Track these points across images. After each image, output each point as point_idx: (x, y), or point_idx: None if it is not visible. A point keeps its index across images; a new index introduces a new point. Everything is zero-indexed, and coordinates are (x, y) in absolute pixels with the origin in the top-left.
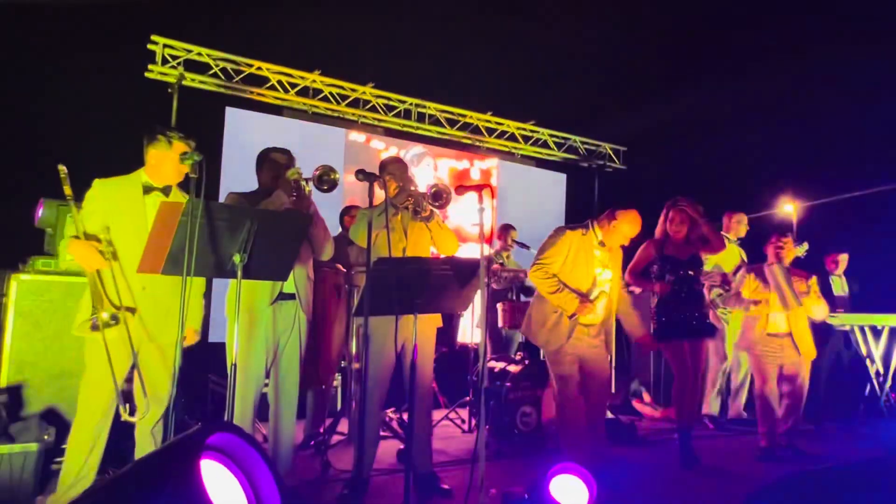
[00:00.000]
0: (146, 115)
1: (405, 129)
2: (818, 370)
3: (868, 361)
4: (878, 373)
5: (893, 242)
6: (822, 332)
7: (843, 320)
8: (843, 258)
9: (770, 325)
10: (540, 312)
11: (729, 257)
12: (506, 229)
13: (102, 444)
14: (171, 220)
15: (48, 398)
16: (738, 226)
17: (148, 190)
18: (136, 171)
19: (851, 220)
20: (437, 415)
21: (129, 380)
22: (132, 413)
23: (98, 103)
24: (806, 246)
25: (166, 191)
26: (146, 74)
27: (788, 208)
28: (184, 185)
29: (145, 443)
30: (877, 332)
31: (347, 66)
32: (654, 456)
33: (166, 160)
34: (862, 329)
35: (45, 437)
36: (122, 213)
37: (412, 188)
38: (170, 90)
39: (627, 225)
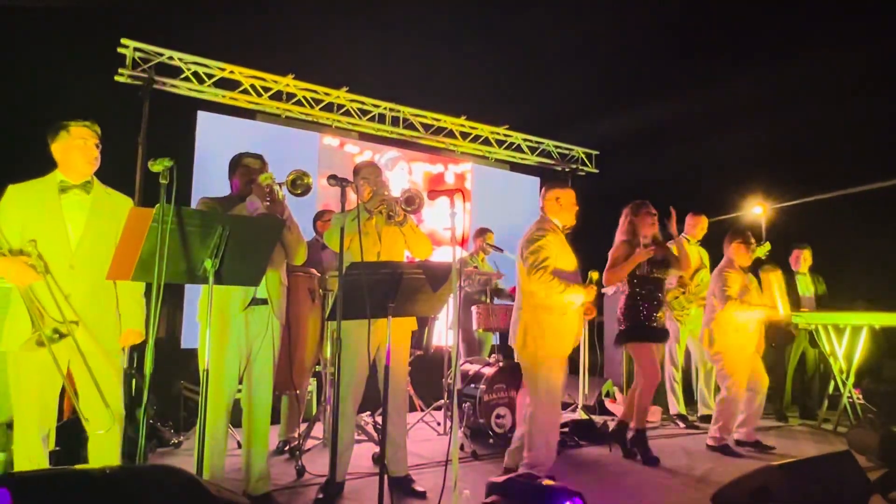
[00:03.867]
0: (116, 119)
1: (379, 133)
2: (784, 369)
3: (832, 360)
4: (841, 370)
5: (860, 243)
6: (787, 331)
7: (808, 319)
8: (805, 255)
9: (743, 325)
10: (537, 323)
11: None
12: (481, 233)
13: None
14: (142, 225)
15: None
16: (696, 228)
17: (65, 189)
18: (51, 172)
19: (819, 221)
20: (413, 418)
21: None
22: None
23: (66, 107)
24: (768, 246)
25: (86, 187)
26: (116, 78)
27: (757, 210)
28: (154, 188)
29: (103, 453)
30: (840, 331)
31: (321, 70)
32: (625, 455)
33: (70, 150)
34: (826, 328)
35: (12, 446)
36: (38, 217)
37: (386, 192)
38: (140, 94)
39: (571, 196)
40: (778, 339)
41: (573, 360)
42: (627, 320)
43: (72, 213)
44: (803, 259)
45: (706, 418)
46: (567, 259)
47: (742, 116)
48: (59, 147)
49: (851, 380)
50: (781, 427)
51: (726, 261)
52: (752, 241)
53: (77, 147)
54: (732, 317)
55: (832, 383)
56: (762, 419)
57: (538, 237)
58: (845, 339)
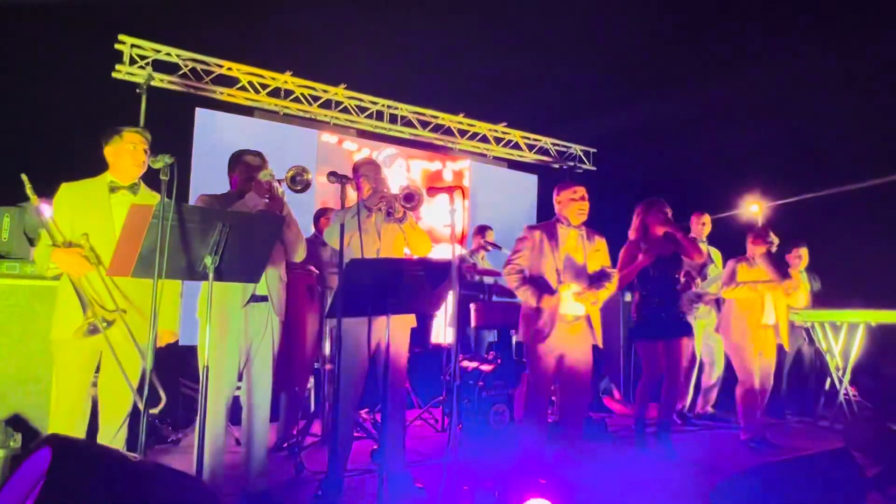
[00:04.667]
0: (114, 116)
1: (377, 130)
2: (781, 365)
3: (828, 357)
4: (837, 367)
5: (856, 240)
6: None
7: (805, 317)
8: (804, 251)
9: (766, 316)
10: (526, 310)
11: None
12: (481, 230)
13: None
14: (142, 221)
15: (13, 404)
16: (702, 227)
17: (114, 189)
18: (103, 173)
19: (815, 219)
20: (411, 414)
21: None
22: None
23: (63, 104)
24: (776, 240)
25: (134, 189)
26: (113, 75)
27: (754, 208)
28: (154, 185)
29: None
30: (836, 328)
31: (319, 67)
32: (624, 451)
33: (122, 154)
34: (822, 325)
35: (11, 443)
36: (88, 214)
37: (385, 190)
38: (138, 91)
39: (569, 192)
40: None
41: None
42: (636, 318)
43: (120, 212)
44: (803, 255)
45: (704, 416)
46: (551, 263)
47: (739, 115)
48: (111, 150)
49: (848, 377)
50: (778, 424)
51: (748, 253)
52: (764, 233)
53: (127, 151)
54: (736, 304)
55: (829, 380)
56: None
57: (522, 234)
58: (842, 337)
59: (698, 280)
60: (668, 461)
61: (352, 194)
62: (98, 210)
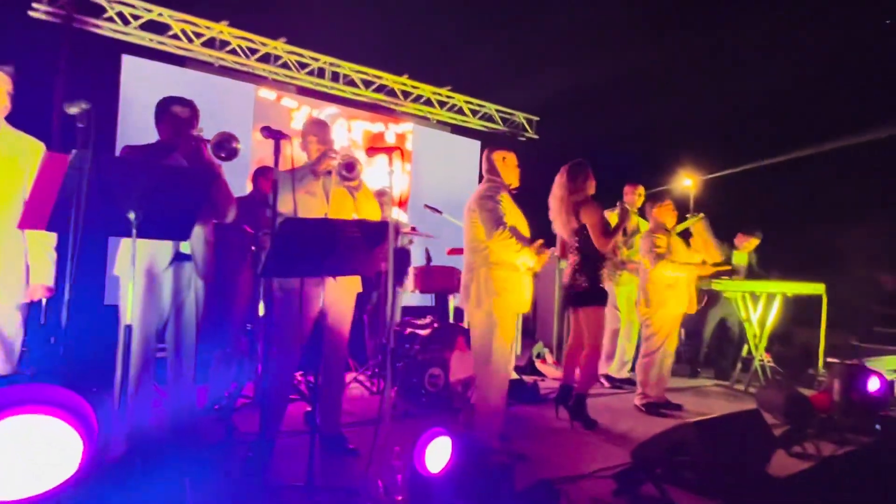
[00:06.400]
0: (30, 59)
1: (318, 88)
2: (701, 333)
3: (747, 325)
4: (754, 335)
5: (773, 213)
6: (711, 298)
7: (726, 287)
8: (752, 242)
9: (674, 284)
10: (497, 280)
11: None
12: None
13: None
14: (56, 172)
15: None
16: (638, 198)
17: None
18: None
19: (740, 192)
20: (346, 377)
21: None
22: None
23: None
24: (702, 215)
25: None
26: (30, 13)
27: (687, 182)
28: (70, 136)
29: None
30: (755, 299)
31: (258, 18)
32: (553, 413)
33: None
34: (743, 296)
35: None
36: None
37: (334, 154)
38: (58, 32)
39: (510, 157)
40: (708, 300)
41: None
42: (586, 282)
43: None
44: (748, 244)
45: (625, 381)
46: (518, 220)
47: (684, 87)
48: None
49: (763, 344)
50: (697, 387)
51: (654, 224)
52: (663, 198)
53: None
54: (664, 275)
55: (746, 347)
56: (677, 379)
57: (494, 194)
58: (760, 307)
59: (623, 248)
60: (593, 422)
61: (287, 151)
62: None
